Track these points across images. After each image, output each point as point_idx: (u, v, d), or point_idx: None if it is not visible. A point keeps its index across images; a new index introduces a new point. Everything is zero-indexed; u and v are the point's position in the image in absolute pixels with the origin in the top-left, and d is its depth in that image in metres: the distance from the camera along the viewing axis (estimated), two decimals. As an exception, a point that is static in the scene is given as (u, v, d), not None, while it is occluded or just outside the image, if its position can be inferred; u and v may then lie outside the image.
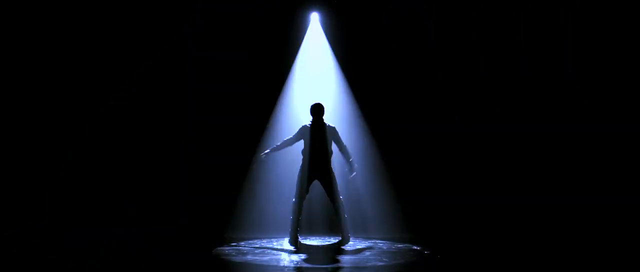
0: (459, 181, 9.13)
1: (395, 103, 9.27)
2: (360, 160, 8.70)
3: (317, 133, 7.92)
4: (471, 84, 9.27)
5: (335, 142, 7.95)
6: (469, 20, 9.27)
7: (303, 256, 7.32)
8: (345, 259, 7.21)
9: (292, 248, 7.79)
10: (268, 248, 7.78)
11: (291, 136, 8.07)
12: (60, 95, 9.11)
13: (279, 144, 8.09)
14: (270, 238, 8.44)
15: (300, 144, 8.03)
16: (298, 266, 6.80)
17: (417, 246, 7.91)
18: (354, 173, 7.99)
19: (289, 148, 8.09)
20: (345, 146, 8.00)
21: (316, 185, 8.02)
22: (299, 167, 7.99)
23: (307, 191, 7.97)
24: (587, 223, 8.58)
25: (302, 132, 7.98)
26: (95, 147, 9.13)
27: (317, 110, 7.98)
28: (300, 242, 8.03)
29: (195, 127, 9.26)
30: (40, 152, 9.01)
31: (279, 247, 7.88)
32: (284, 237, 8.31)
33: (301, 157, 8.00)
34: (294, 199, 7.97)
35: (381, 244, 8.12)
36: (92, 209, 9.03)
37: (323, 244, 8.25)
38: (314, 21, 9.46)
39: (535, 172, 9.01)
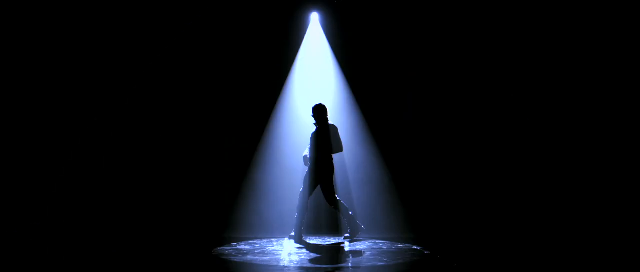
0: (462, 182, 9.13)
1: (395, 102, 9.27)
2: (360, 159, 8.73)
3: (321, 137, 7.94)
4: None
5: (333, 140, 7.95)
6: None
7: (304, 256, 7.30)
8: (344, 259, 7.17)
9: (296, 247, 7.74)
10: (268, 248, 7.65)
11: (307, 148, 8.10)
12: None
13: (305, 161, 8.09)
14: (270, 239, 8.41)
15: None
16: (299, 266, 6.79)
17: (417, 246, 7.87)
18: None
19: (288, 152, 8.11)
20: (336, 146, 7.98)
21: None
22: (307, 170, 8.03)
23: (312, 191, 8.02)
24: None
25: (311, 139, 8.04)
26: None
27: (318, 112, 7.99)
28: (304, 241, 8.04)
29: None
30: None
31: (279, 247, 7.80)
32: (283, 238, 8.33)
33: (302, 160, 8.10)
34: (300, 199, 8.01)
35: (381, 243, 8.08)
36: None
37: (326, 243, 8.19)
38: (314, 21, 9.45)
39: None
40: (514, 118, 9.00)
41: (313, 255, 7.36)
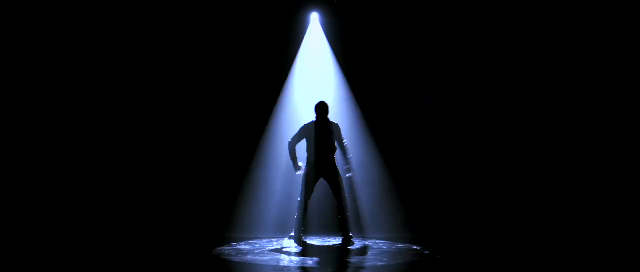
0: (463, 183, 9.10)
1: (396, 102, 9.23)
2: (360, 159, 8.76)
3: (322, 131, 7.87)
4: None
5: (336, 139, 7.93)
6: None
7: (305, 257, 7.29)
8: (345, 260, 7.19)
9: (296, 247, 7.72)
10: (268, 249, 7.66)
11: (294, 135, 8.01)
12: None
13: (291, 150, 7.94)
14: (270, 239, 8.42)
15: (303, 143, 8.03)
16: (299, 266, 6.79)
17: (417, 246, 7.87)
18: (351, 173, 8.02)
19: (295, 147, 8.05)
20: (345, 144, 7.99)
21: (320, 185, 8.02)
22: (304, 166, 7.94)
23: (313, 190, 7.93)
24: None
25: (305, 131, 7.93)
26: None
27: (321, 108, 7.94)
28: (304, 241, 8.03)
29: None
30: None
31: (279, 247, 7.79)
32: (283, 238, 8.32)
33: (305, 156, 7.98)
34: (299, 199, 7.94)
35: (381, 244, 8.09)
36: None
37: (325, 244, 8.19)
38: (314, 21, 9.43)
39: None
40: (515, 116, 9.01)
41: (313, 256, 7.38)
